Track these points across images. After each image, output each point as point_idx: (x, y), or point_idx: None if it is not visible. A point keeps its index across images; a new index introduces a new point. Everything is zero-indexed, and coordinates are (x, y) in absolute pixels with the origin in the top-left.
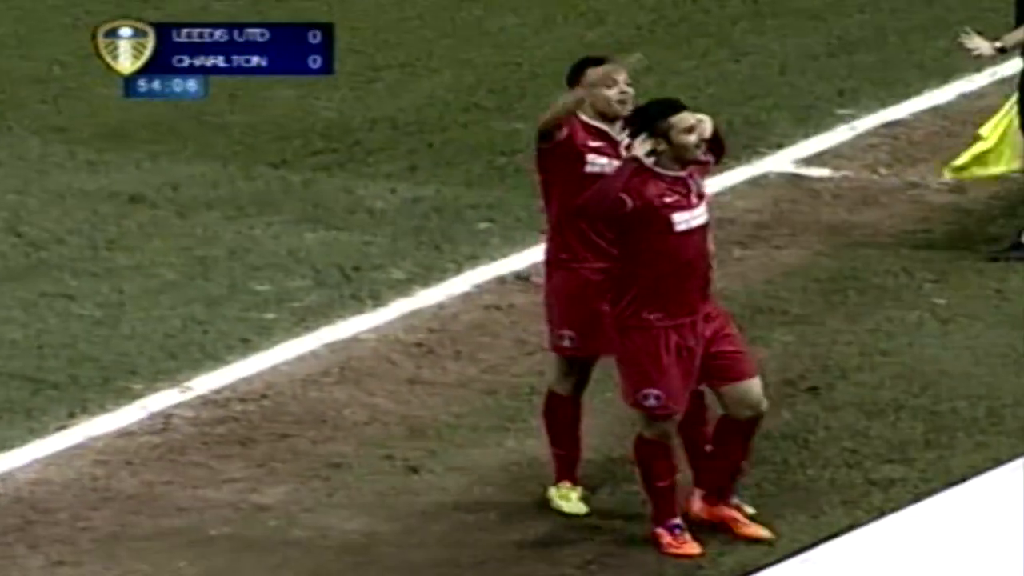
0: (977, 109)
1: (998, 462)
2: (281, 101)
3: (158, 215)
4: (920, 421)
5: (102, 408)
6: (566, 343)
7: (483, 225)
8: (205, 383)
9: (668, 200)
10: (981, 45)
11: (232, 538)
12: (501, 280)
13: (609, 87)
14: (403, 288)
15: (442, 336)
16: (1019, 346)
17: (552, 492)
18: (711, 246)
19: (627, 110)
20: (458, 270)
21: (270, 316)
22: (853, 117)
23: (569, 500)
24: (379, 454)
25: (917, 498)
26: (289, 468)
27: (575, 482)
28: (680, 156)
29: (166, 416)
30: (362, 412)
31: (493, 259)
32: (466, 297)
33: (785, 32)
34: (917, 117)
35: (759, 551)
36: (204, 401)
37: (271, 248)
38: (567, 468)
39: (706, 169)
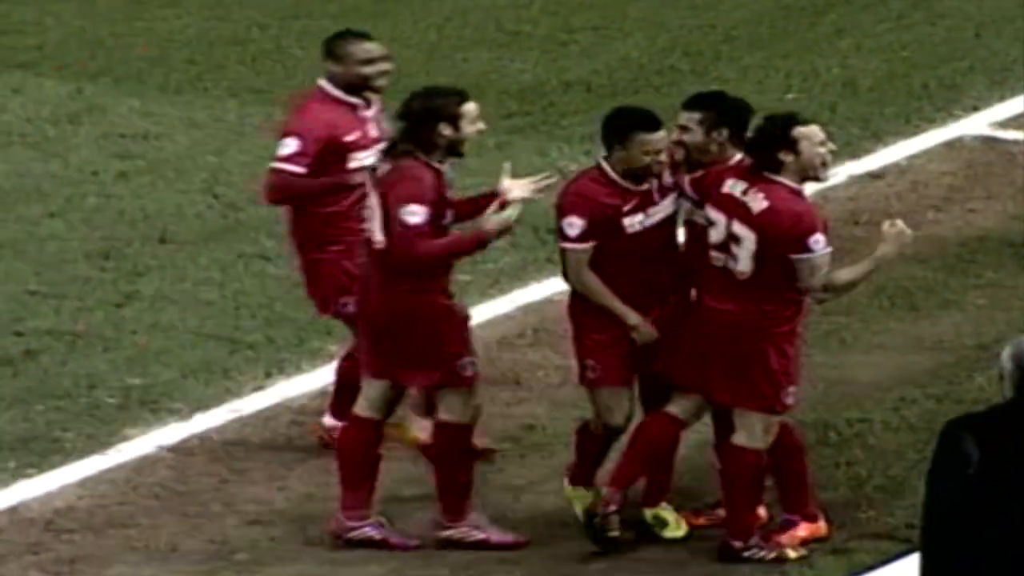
0: None
1: None
2: (475, 63)
3: None
4: None
5: (298, 369)
6: None
7: None
8: None
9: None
10: None
11: (424, 497)
12: None
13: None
14: None
15: None
16: None
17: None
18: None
19: None
20: None
21: (464, 278)
22: None
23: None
24: (572, 415)
25: None
26: (481, 429)
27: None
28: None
29: None
30: (555, 374)
31: None
32: None
33: None
34: None
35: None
36: None
37: None
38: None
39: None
